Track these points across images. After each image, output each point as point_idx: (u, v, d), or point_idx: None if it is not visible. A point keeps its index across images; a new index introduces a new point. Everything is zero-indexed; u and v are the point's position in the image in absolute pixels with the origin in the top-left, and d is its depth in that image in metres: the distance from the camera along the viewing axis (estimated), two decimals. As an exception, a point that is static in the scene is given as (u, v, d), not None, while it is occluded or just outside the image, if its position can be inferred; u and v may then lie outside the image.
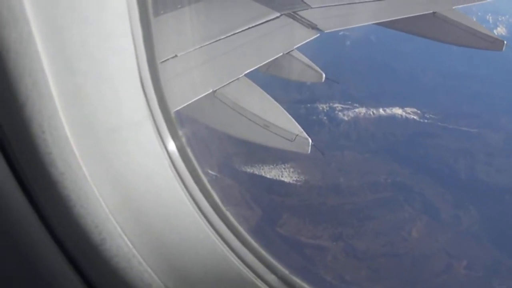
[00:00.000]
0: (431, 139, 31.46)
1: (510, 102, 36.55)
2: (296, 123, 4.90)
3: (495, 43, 6.28)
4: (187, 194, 1.19)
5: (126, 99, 1.02)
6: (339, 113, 32.55)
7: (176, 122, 1.15)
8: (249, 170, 28.81)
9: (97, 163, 0.99)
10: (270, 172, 29.35)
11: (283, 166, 29.51)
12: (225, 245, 1.24)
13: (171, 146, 1.15)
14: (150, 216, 1.13)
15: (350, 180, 28.99)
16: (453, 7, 6.55)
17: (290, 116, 5.01)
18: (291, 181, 29.03)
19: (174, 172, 1.16)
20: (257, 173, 29.00)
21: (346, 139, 31.12)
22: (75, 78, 0.90)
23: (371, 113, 33.01)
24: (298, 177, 29.21)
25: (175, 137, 1.15)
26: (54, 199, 0.95)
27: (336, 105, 32.85)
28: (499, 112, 35.13)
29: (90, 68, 0.92)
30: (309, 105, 32.18)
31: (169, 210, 1.18)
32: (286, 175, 29.31)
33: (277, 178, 29.11)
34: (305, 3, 5.84)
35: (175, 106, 3.69)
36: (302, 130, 4.86)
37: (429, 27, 6.41)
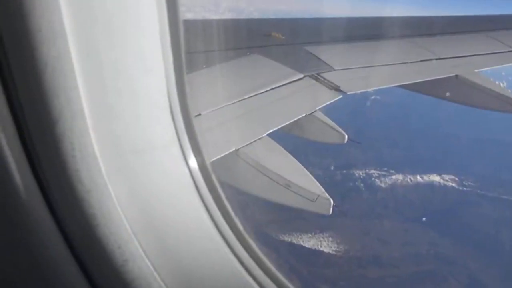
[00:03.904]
0: (471, 208, 30.58)
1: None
2: (318, 184, 4.86)
3: (520, 107, 6.23)
4: (211, 219, 1.19)
5: (155, 121, 1.04)
6: (376, 180, 32.20)
7: (202, 146, 1.17)
8: (287, 238, 28.45)
9: (123, 183, 1.00)
10: (309, 242, 28.92)
11: (322, 235, 29.05)
12: (245, 271, 1.23)
13: (196, 170, 1.16)
14: (173, 238, 1.13)
15: (391, 251, 28.20)
16: (476, 70, 6.60)
17: (312, 176, 4.99)
18: (330, 251, 28.47)
19: (199, 196, 1.16)
20: (295, 242, 28.59)
21: (385, 207, 30.58)
22: (107, 97, 0.93)
23: (409, 180, 32.54)
24: (338, 247, 28.63)
25: (200, 162, 1.16)
26: (79, 216, 0.96)
27: (372, 171, 32.58)
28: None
29: (123, 87, 0.94)
30: (345, 171, 32.00)
31: (191, 233, 1.18)
32: (325, 244, 28.82)
33: (316, 248, 28.58)
34: (328, 65, 5.97)
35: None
36: (324, 190, 4.81)
37: (452, 90, 6.43)
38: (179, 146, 1.09)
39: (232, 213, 1.24)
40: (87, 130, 0.90)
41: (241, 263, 1.23)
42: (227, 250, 1.21)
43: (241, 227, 1.25)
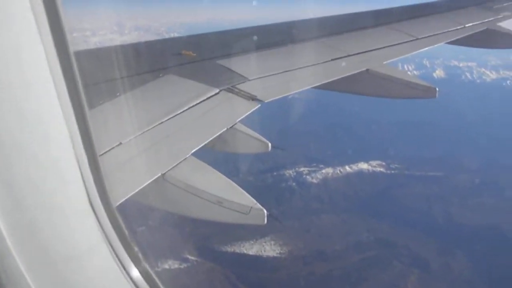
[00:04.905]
0: (402, 189, 31.78)
1: (468, 141, 37.70)
2: (249, 196, 4.85)
3: (428, 91, 6.59)
4: None
5: (78, 225, 1.00)
6: (307, 176, 32.80)
7: (133, 243, 1.12)
8: (230, 249, 28.37)
9: None
10: (252, 249, 28.99)
11: (263, 240, 29.22)
12: None
13: (131, 266, 1.09)
14: None
15: (333, 244, 28.77)
16: (384, 62, 6.90)
17: (242, 190, 4.97)
18: (275, 255, 28.66)
19: None
20: (238, 251, 28.57)
21: (320, 202, 31.11)
22: (24, 214, 0.88)
23: (338, 171, 33.42)
24: (281, 249, 28.88)
25: (133, 257, 1.11)
26: None
27: (302, 169, 33.18)
28: (459, 153, 36.05)
29: (38, 201, 0.90)
30: (275, 173, 32.37)
31: None
32: (268, 249, 29.01)
33: (260, 254, 28.70)
34: (242, 76, 6.00)
35: (126, 194, 3.64)
36: (256, 202, 4.81)
37: (364, 84, 6.70)
38: (109, 245, 1.05)
39: None
40: (9, 250, 0.85)
41: None
42: None
43: None
